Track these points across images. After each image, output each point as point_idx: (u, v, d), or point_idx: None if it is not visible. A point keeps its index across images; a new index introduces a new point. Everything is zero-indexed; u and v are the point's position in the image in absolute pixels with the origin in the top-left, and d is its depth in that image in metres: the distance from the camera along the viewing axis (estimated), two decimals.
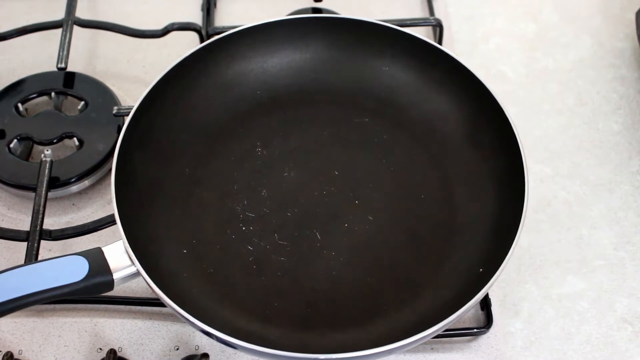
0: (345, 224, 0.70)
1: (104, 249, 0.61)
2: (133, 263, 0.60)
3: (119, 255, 0.61)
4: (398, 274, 0.67)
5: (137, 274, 0.60)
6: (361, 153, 0.74)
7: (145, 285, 0.61)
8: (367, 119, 0.75)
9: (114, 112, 0.78)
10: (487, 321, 0.69)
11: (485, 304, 0.69)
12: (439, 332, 0.60)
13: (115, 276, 0.60)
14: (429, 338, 0.59)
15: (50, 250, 0.72)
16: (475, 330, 0.68)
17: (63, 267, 0.59)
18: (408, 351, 0.67)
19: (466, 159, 0.73)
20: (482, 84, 0.71)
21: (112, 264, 0.60)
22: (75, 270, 0.59)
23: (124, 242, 0.61)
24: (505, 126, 0.69)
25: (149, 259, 0.62)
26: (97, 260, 0.60)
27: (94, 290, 0.60)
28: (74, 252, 0.61)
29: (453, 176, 0.72)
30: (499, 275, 0.60)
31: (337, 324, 0.64)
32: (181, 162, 0.72)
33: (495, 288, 0.72)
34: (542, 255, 0.76)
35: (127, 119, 0.69)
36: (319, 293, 0.66)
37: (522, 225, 0.63)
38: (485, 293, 0.60)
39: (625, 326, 0.71)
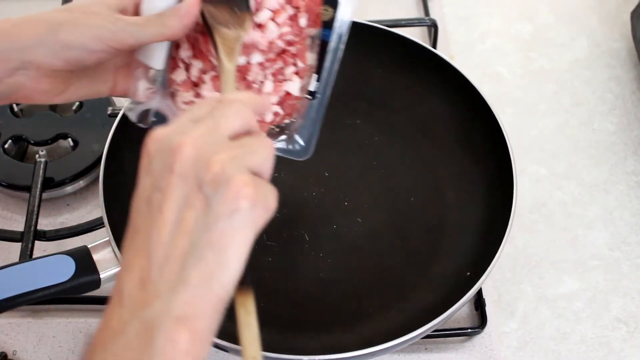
0: (334, 226, 0.70)
1: (91, 248, 0.61)
2: (119, 262, 0.60)
3: (106, 254, 0.61)
4: (386, 276, 0.67)
5: None
6: (352, 155, 0.74)
7: None
8: (358, 121, 0.75)
9: (109, 112, 0.78)
10: (482, 321, 0.69)
11: (480, 304, 0.69)
12: (426, 334, 0.60)
13: (102, 275, 0.60)
14: (414, 341, 0.59)
15: (44, 250, 0.72)
16: (469, 330, 0.68)
17: (49, 266, 0.59)
18: (402, 351, 0.67)
19: (457, 163, 0.73)
20: (473, 86, 0.72)
21: (99, 262, 0.60)
22: (61, 270, 0.59)
23: (110, 241, 0.61)
24: (496, 130, 0.69)
25: None
26: (83, 259, 0.60)
27: (80, 290, 0.60)
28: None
29: (443, 179, 0.73)
30: (485, 279, 0.61)
31: (324, 325, 0.64)
32: None
33: (490, 288, 0.72)
34: (537, 255, 0.75)
35: (117, 118, 0.69)
36: (306, 294, 0.66)
37: (509, 230, 0.63)
38: (471, 297, 0.60)
39: (620, 326, 0.71)
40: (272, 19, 0.55)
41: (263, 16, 0.54)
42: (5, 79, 0.52)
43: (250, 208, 0.40)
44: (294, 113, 0.59)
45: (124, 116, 0.69)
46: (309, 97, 0.59)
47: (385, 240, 0.69)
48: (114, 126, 0.68)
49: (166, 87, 0.57)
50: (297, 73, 0.57)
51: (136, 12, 0.54)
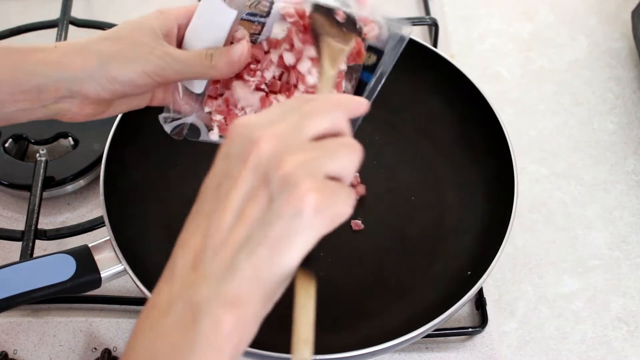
0: None
1: (92, 247, 0.61)
2: (120, 261, 0.60)
3: (107, 253, 0.61)
4: (386, 276, 0.67)
5: (124, 272, 0.60)
6: None
7: None
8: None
9: None
10: (482, 321, 0.69)
11: (480, 303, 0.69)
12: (426, 334, 0.60)
13: (103, 274, 0.60)
14: (414, 340, 0.59)
15: (45, 249, 0.72)
16: (470, 329, 0.68)
17: (49, 266, 0.59)
18: (402, 350, 0.67)
19: (457, 162, 0.73)
20: (475, 85, 0.72)
21: (99, 262, 0.60)
22: (62, 269, 0.59)
23: (111, 240, 0.61)
24: (497, 129, 0.69)
25: (137, 257, 0.62)
26: (84, 258, 0.60)
27: (81, 289, 0.60)
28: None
29: (444, 178, 0.73)
30: (486, 279, 0.61)
31: (325, 325, 0.63)
32: (172, 160, 0.72)
33: (491, 288, 0.72)
34: (537, 255, 0.75)
35: (117, 117, 0.69)
36: None
37: (510, 230, 0.63)
38: (472, 297, 0.60)
39: (621, 325, 0.71)
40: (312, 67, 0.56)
41: (303, 67, 0.56)
42: (52, 105, 0.54)
43: (313, 214, 0.39)
44: None
45: (125, 115, 0.69)
46: None
47: (385, 240, 0.69)
48: (115, 125, 0.68)
49: (202, 102, 0.58)
50: None
51: (180, 35, 0.56)
